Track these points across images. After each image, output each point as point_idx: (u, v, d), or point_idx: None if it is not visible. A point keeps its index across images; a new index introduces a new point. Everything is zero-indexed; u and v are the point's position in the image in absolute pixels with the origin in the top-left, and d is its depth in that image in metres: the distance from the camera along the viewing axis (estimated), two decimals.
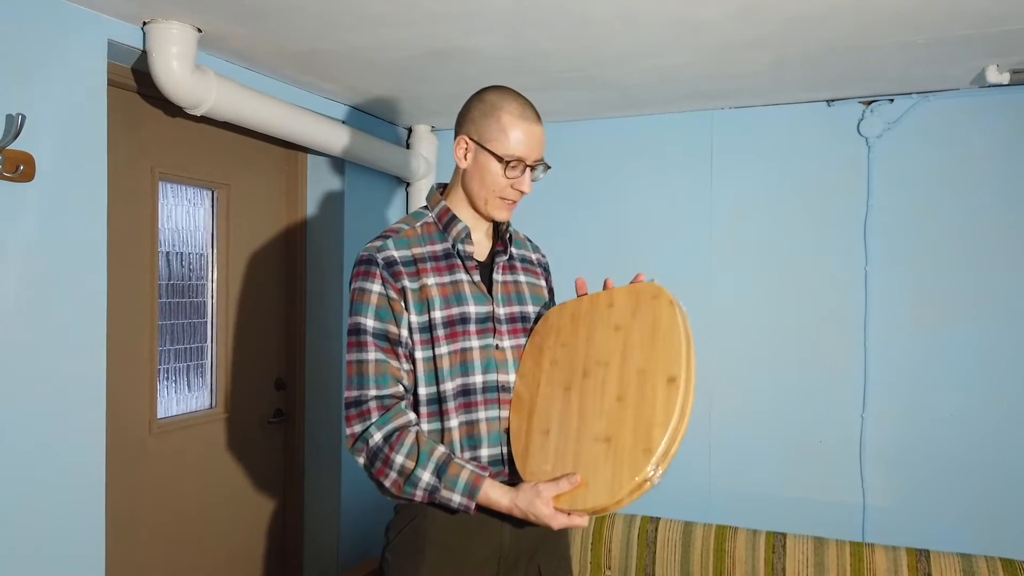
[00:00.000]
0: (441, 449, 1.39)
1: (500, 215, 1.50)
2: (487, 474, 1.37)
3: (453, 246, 1.50)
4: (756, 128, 2.60)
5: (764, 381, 2.57)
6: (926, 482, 2.38)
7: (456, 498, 1.35)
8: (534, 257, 1.67)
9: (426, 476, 1.35)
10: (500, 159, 1.44)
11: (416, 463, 1.36)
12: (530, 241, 1.71)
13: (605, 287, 1.54)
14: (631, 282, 1.49)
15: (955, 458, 2.35)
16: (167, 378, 2.28)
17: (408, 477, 1.36)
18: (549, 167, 1.52)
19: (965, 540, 2.27)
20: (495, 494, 1.35)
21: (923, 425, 2.38)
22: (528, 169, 1.47)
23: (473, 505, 1.35)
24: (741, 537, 2.17)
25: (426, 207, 1.57)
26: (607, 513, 1.30)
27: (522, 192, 1.48)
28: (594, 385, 1.39)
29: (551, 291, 1.70)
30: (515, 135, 1.44)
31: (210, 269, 2.43)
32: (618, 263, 2.75)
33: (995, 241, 2.32)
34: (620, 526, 2.29)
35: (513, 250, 1.60)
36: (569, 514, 1.30)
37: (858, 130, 2.47)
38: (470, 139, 1.48)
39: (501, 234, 1.57)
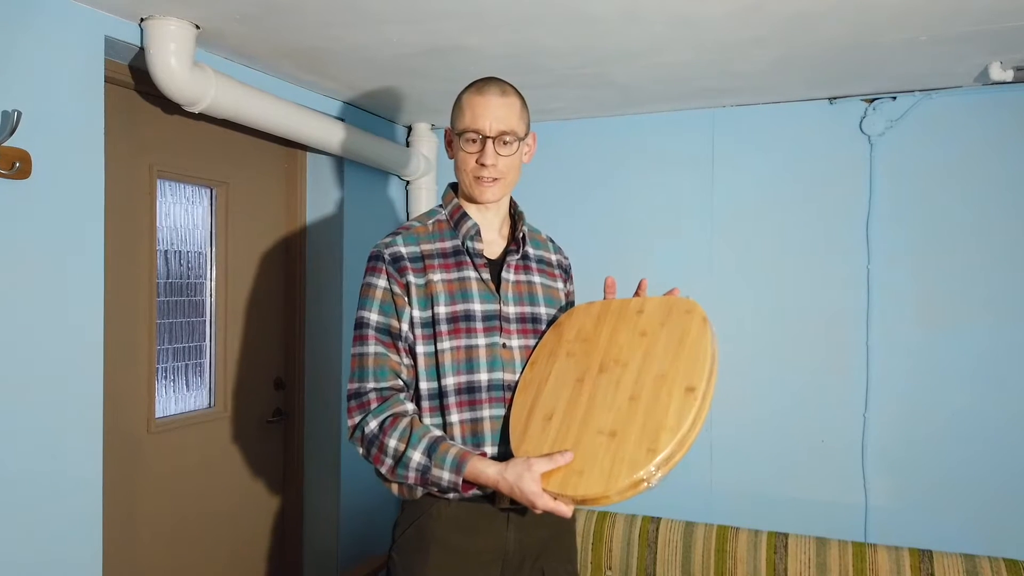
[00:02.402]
0: (435, 432, 1.38)
1: (481, 195, 1.49)
2: (478, 453, 1.37)
3: (463, 243, 1.50)
4: (758, 126, 2.59)
5: (766, 380, 2.55)
6: (929, 482, 2.37)
7: (445, 475, 1.33)
8: (554, 258, 1.65)
9: (417, 456, 1.35)
10: (459, 135, 1.47)
11: (407, 444, 1.36)
12: (552, 242, 1.69)
13: (640, 287, 1.54)
14: (665, 294, 1.49)
15: (958, 458, 2.33)
16: (165, 377, 2.27)
17: (400, 459, 1.36)
18: (521, 138, 1.49)
19: (968, 540, 2.26)
20: (482, 466, 1.33)
21: (926, 425, 2.37)
22: (488, 141, 1.45)
23: (461, 481, 1.33)
24: (743, 537, 2.16)
25: (441, 205, 1.58)
26: (595, 506, 1.28)
27: (484, 165, 1.45)
28: (608, 381, 1.38)
29: (569, 293, 1.67)
30: (467, 109, 1.47)
31: (209, 268, 2.42)
32: (619, 262, 2.74)
33: (998, 239, 2.31)
34: (621, 526, 2.27)
35: (530, 250, 1.59)
36: (556, 498, 1.28)
37: (860, 128, 2.46)
38: (449, 130, 1.54)
39: (515, 234, 1.56)
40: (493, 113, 1.45)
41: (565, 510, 1.29)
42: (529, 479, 1.27)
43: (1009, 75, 2.08)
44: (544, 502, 1.27)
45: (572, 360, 1.45)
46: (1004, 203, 2.31)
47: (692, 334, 1.37)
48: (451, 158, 1.53)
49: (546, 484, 1.28)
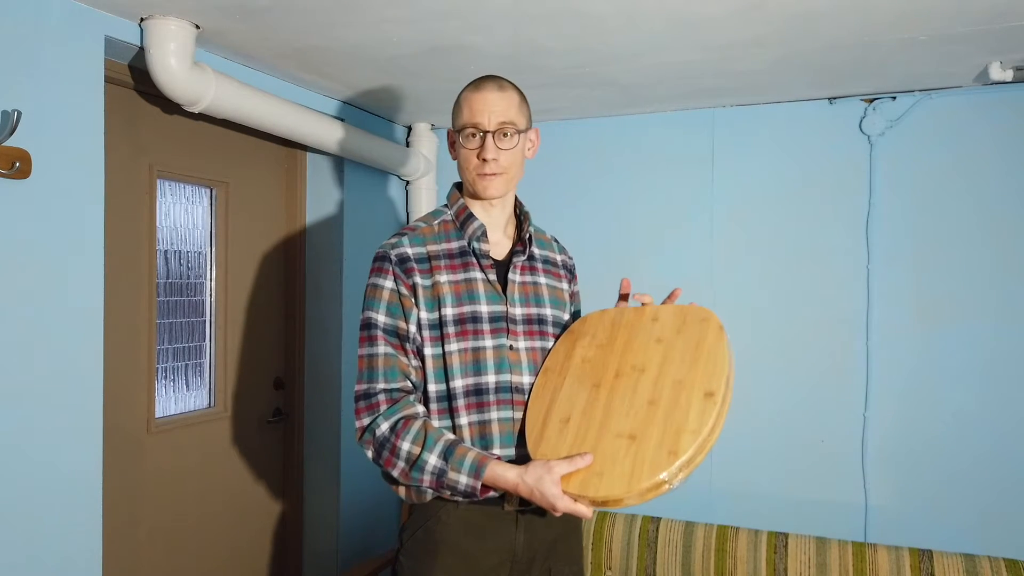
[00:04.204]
0: (449, 435, 1.38)
1: (485, 191, 1.49)
2: (495, 457, 1.36)
3: (469, 244, 1.49)
4: (758, 126, 2.59)
5: (766, 380, 2.55)
6: (929, 482, 2.37)
7: (463, 479, 1.33)
8: (559, 259, 1.65)
9: (432, 459, 1.34)
10: (459, 131, 1.48)
11: (423, 448, 1.35)
12: (557, 242, 1.69)
13: (672, 296, 1.58)
14: (669, 295, 1.55)
15: (958, 458, 2.33)
16: (165, 377, 2.27)
17: (415, 463, 1.35)
18: (521, 131, 1.49)
19: (968, 540, 2.26)
20: (501, 470, 1.32)
21: (925, 424, 2.37)
22: (488, 136, 1.45)
23: (479, 485, 1.33)
24: (743, 537, 2.15)
25: (447, 205, 1.57)
26: (614, 508, 1.29)
27: (486, 160, 1.45)
28: (626, 386, 1.38)
29: (574, 294, 1.67)
30: (465, 106, 1.47)
31: (209, 268, 2.42)
32: (619, 261, 2.74)
33: (998, 239, 2.31)
34: (621, 526, 2.27)
35: (536, 250, 1.58)
36: (576, 500, 1.27)
37: (860, 128, 2.46)
38: (451, 131, 1.54)
39: (521, 234, 1.56)
40: (491, 107, 1.45)
41: (585, 511, 1.29)
42: (549, 481, 1.27)
43: (1009, 75, 2.08)
44: (565, 504, 1.27)
45: (587, 366, 1.45)
46: (1004, 203, 2.30)
47: (709, 341, 1.38)
48: (454, 159, 1.52)
49: (566, 486, 1.28)
